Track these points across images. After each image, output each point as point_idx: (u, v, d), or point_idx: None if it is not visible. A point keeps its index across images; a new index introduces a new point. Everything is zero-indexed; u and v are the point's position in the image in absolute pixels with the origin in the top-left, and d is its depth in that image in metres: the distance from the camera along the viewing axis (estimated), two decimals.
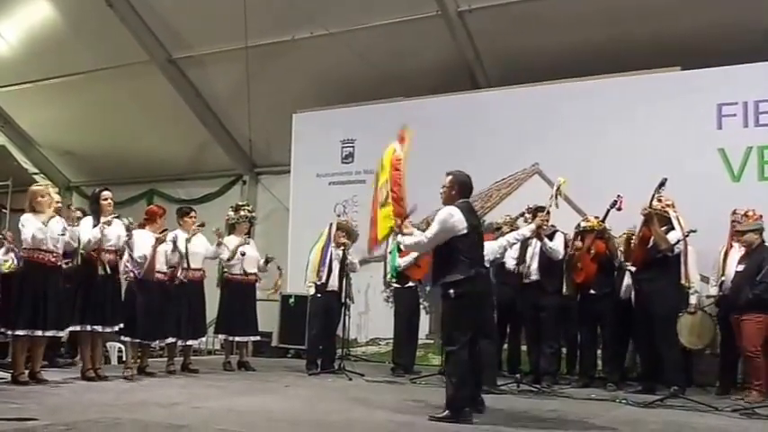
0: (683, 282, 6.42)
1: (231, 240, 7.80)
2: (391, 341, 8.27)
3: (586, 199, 7.71)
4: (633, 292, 6.83)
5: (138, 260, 6.57)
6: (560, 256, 7.02)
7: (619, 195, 6.71)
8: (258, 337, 8.40)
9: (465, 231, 4.82)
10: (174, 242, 6.96)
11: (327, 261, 7.55)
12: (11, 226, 9.62)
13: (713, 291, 6.86)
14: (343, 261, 7.65)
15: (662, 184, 6.29)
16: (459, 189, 5.07)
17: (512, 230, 6.87)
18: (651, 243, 6.47)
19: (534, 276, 7.15)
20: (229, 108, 11.21)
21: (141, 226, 6.80)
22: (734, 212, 6.68)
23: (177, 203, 10.47)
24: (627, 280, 6.95)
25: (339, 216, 8.60)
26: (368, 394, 5.63)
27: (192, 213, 7.58)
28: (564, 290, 7.05)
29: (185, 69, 11.01)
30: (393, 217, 5.05)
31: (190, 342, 7.39)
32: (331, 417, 4.91)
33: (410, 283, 7.69)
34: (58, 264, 6.03)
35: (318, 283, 7.54)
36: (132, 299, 6.60)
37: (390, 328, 7.97)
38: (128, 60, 10.79)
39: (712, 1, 7.99)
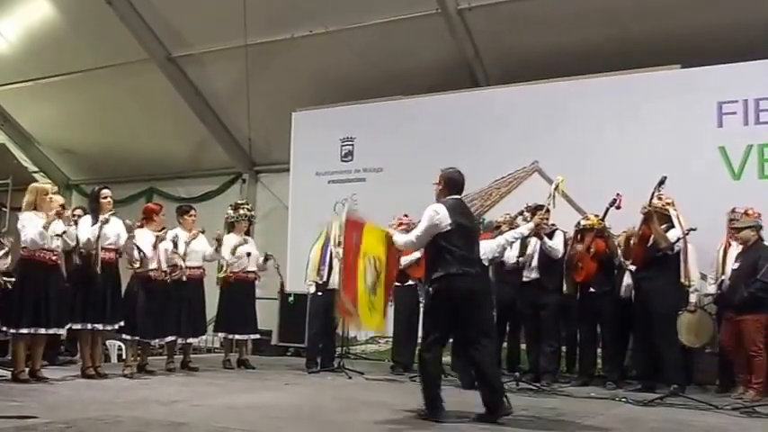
0: (682, 280, 6.42)
1: (230, 239, 7.80)
2: (391, 339, 8.28)
3: (586, 197, 7.70)
4: (633, 291, 6.83)
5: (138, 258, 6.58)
6: (560, 255, 7.02)
7: (618, 194, 6.71)
8: (258, 336, 8.40)
9: (449, 228, 4.80)
10: (175, 242, 6.96)
11: (328, 260, 7.55)
12: (10, 224, 9.63)
13: (712, 289, 6.87)
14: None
15: (661, 182, 6.29)
16: (447, 186, 5.09)
17: (511, 229, 6.86)
18: (651, 241, 6.48)
19: (534, 275, 7.14)
20: (229, 106, 11.20)
21: (141, 225, 6.80)
22: (733, 211, 6.68)
23: (177, 202, 10.46)
24: (627, 278, 6.95)
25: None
26: (367, 392, 5.65)
27: (192, 212, 7.59)
28: (564, 288, 7.05)
29: (185, 68, 10.99)
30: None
31: (190, 340, 7.39)
32: (330, 415, 4.92)
33: (410, 282, 7.69)
34: (59, 262, 6.04)
35: (319, 281, 7.54)
36: (132, 297, 6.61)
37: (390, 326, 7.96)
38: (127, 59, 10.77)
39: None
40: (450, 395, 5.54)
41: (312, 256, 7.68)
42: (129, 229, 6.39)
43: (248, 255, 7.78)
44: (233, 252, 7.69)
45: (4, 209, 11.85)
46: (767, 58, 7.66)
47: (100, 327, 6.26)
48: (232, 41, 9.86)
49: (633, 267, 6.75)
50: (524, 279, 7.19)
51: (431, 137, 9.30)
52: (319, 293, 7.58)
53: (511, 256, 7.16)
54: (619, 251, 7.01)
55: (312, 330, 7.85)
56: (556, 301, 7.05)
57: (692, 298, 6.78)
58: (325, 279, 7.53)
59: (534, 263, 7.13)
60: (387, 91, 9.65)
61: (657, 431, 4.70)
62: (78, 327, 6.23)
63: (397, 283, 7.74)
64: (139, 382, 6.23)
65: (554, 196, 6.55)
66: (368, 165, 9.86)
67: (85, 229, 6.20)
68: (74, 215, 6.60)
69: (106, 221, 6.20)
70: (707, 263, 6.98)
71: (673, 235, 6.38)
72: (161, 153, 12.18)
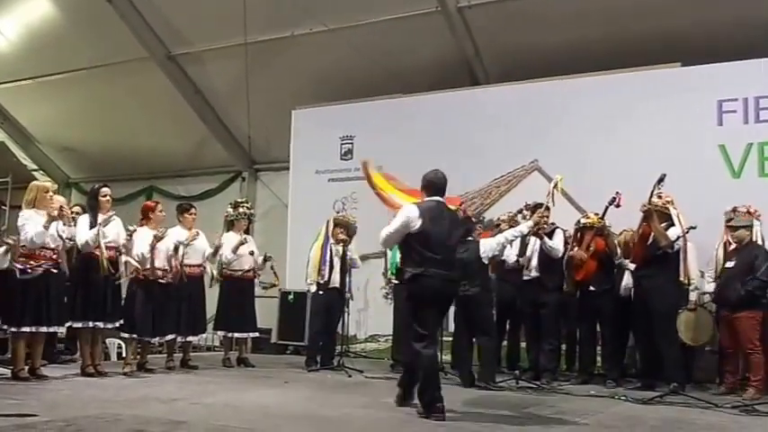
0: (682, 278, 6.42)
1: (230, 237, 7.80)
2: (390, 338, 8.28)
3: (586, 196, 7.71)
4: (633, 289, 6.83)
5: (137, 258, 6.57)
6: (560, 255, 7.01)
7: (617, 192, 6.71)
8: (257, 334, 8.39)
9: (418, 229, 4.88)
10: (177, 246, 6.94)
11: (328, 259, 7.54)
12: (10, 222, 9.62)
13: (710, 287, 6.86)
14: (343, 257, 7.64)
15: (661, 180, 6.30)
16: (425, 188, 5.16)
17: (511, 227, 6.86)
18: (651, 240, 6.48)
19: (534, 273, 7.14)
20: (228, 104, 11.20)
21: (141, 224, 6.79)
22: (734, 210, 6.66)
23: (176, 200, 10.45)
24: (627, 277, 6.95)
25: (338, 212, 8.58)
26: (367, 391, 5.64)
27: (192, 210, 7.57)
28: (564, 287, 7.05)
29: (184, 66, 10.99)
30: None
31: (189, 338, 7.39)
32: (330, 413, 4.91)
33: None
34: (59, 261, 6.03)
35: (320, 281, 7.53)
36: (132, 295, 6.60)
37: (389, 324, 7.96)
38: (127, 57, 10.77)
39: None
40: (449, 393, 5.55)
41: (312, 255, 7.67)
42: (129, 234, 6.38)
43: (251, 253, 7.77)
44: (234, 251, 7.68)
45: (3, 207, 11.85)
46: (767, 56, 7.66)
47: (100, 325, 6.25)
48: (232, 39, 9.85)
49: (633, 266, 6.75)
50: (524, 277, 7.18)
51: (430, 135, 9.30)
52: (320, 292, 7.57)
53: (511, 254, 7.16)
54: (619, 250, 7.02)
55: (313, 329, 7.84)
56: (556, 300, 7.05)
57: (692, 296, 6.79)
58: (326, 278, 7.52)
59: (534, 261, 7.12)
60: (386, 89, 9.65)
61: (657, 429, 4.69)
62: (78, 325, 6.23)
63: (396, 282, 7.77)
64: (139, 381, 6.22)
65: (553, 194, 6.57)
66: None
67: (83, 230, 6.19)
68: (72, 212, 6.58)
69: (105, 225, 6.19)
70: (706, 261, 6.99)
71: (673, 233, 6.38)
72: (161, 151, 12.17)
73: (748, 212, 6.57)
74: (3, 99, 12.72)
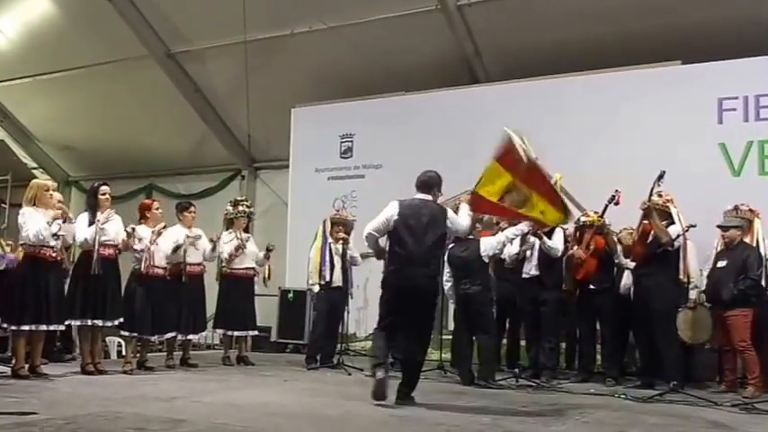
0: (681, 277, 6.42)
1: (230, 240, 7.79)
2: None
3: (585, 194, 7.70)
4: (632, 288, 6.83)
5: (137, 256, 6.57)
6: (559, 254, 7.00)
7: (617, 190, 6.71)
8: (257, 332, 8.39)
9: (395, 225, 5.08)
10: (176, 247, 6.94)
11: (327, 259, 7.53)
12: (10, 220, 9.62)
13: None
14: (343, 256, 7.63)
15: (660, 177, 6.30)
16: (416, 185, 5.34)
17: (510, 225, 6.86)
18: (651, 237, 6.48)
19: (534, 271, 7.13)
20: (228, 103, 11.19)
21: (138, 223, 6.79)
22: (736, 208, 6.65)
23: (176, 198, 10.45)
24: (626, 275, 6.95)
25: (338, 211, 8.58)
26: (366, 389, 5.60)
27: (192, 208, 7.57)
28: (563, 285, 7.05)
29: (184, 64, 10.99)
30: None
31: (189, 337, 7.38)
32: (329, 411, 4.91)
33: None
34: (59, 259, 6.04)
35: (322, 282, 7.51)
36: (132, 293, 6.60)
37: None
38: (126, 55, 10.77)
39: None
40: (449, 392, 5.56)
41: (312, 256, 7.65)
42: (129, 235, 6.38)
43: (243, 247, 7.76)
44: (232, 255, 7.67)
45: (3, 205, 11.85)
46: (767, 54, 7.66)
47: (100, 323, 6.25)
48: (231, 37, 9.85)
49: (633, 264, 6.75)
50: (524, 276, 7.17)
51: (430, 133, 9.29)
52: (323, 292, 7.55)
53: (510, 252, 7.16)
54: (618, 249, 7.01)
55: (317, 332, 7.75)
56: (555, 298, 7.04)
57: (692, 294, 6.78)
58: (327, 279, 7.51)
59: (534, 260, 7.12)
60: (386, 87, 9.64)
61: (657, 428, 4.69)
62: (78, 323, 6.23)
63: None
64: (139, 379, 6.22)
65: None
66: (367, 161, 9.85)
67: (82, 228, 6.19)
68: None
69: (104, 223, 6.19)
70: (706, 259, 6.97)
71: (673, 231, 6.38)
72: (160, 149, 12.17)
73: (750, 210, 6.57)
74: (2, 97, 12.71)
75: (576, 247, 6.98)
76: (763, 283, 6.35)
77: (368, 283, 9.16)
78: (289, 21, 9.67)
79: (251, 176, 11.90)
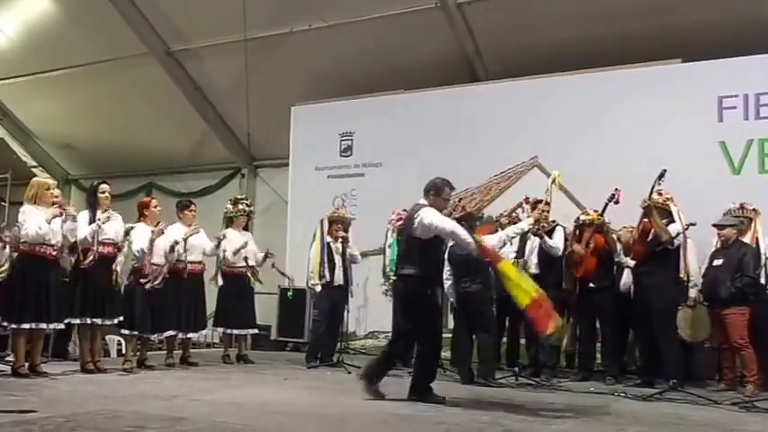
0: (681, 275, 6.42)
1: (233, 237, 7.78)
2: (390, 334, 8.26)
3: (585, 192, 7.70)
4: (632, 286, 6.82)
5: (136, 254, 6.56)
6: (560, 253, 6.99)
7: (617, 189, 6.70)
8: (256, 331, 8.39)
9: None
10: (174, 246, 6.93)
11: (326, 259, 7.52)
12: (9, 219, 9.61)
13: None
14: (343, 254, 7.63)
15: (661, 176, 6.29)
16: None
17: (511, 223, 6.86)
18: (651, 236, 6.48)
19: (533, 270, 7.12)
20: (228, 101, 11.18)
21: (137, 221, 6.79)
22: (741, 207, 6.65)
23: (176, 197, 10.45)
24: (626, 273, 6.94)
25: (337, 209, 8.58)
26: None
27: (192, 207, 7.56)
28: (563, 284, 7.04)
29: (183, 62, 10.98)
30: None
31: (189, 335, 7.38)
32: (329, 409, 4.91)
33: None
34: (59, 257, 6.03)
35: (323, 282, 7.50)
36: (132, 292, 6.59)
37: (389, 321, 7.95)
38: (126, 53, 10.76)
39: None
40: (449, 390, 5.56)
41: (312, 256, 7.63)
42: (126, 233, 6.38)
43: (246, 259, 7.77)
44: (235, 253, 7.67)
45: (3, 203, 11.85)
46: (767, 52, 7.65)
47: (99, 321, 6.25)
48: (231, 36, 9.84)
49: (633, 263, 6.74)
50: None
51: (430, 132, 9.30)
52: (323, 291, 7.54)
53: (509, 251, 7.14)
54: (618, 247, 7.01)
55: (318, 330, 7.73)
56: (555, 297, 6.97)
57: (692, 293, 6.78)
58: (328, 278, 7.50)
59: (534, 258, 7.11)
60: (386, 85, 9.64)
61: (656, 426, 4.69)
62: (77, 321, 6.23)
63: (394, 278, 7.76)
64: (139, 377, 6.22)
65: (551, 191, 6.55)
66: (367, 159, 9.85)
67: (82, 227, 6.18)
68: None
69: (105, 222, 6.18)
70: (706, 258, 6.98)
71: (673, 230, 6.38)
72: (160, 148, 12.17)
73: (754, 210, 6.58)
74: (2, 95, 12.70)
75: (575, 245, 6.97)
76: (763, 281, 6.36)
77: (368, 281, 9.20)
78: (289, 19, 9.66)
79: (251, 175, 11.89)
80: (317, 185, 10.04)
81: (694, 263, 6.78)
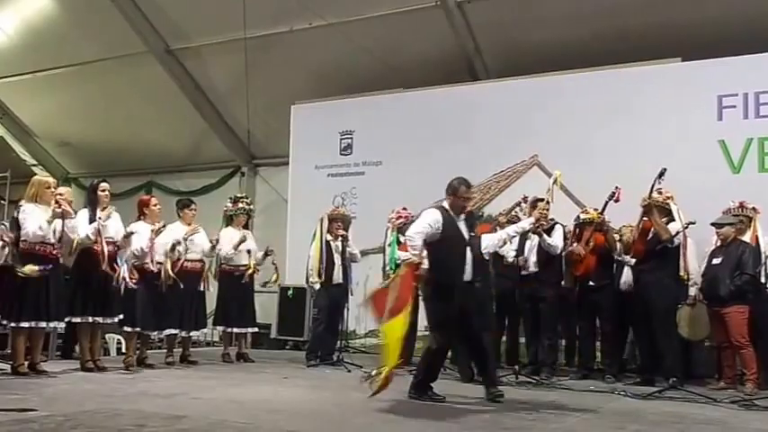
0: (681, 274, 6.43)
1: (229, 233, 7.78)
2: None
3: (585, 191, 7.69)
4: (632, 284, 6.82)
5: (136, 253, 6.56)
6: (559, 251, 6.99)
7: (617, 187, 6.70)
8: (256, 329, 8.39)
9: None
10: (174, 246, 6.93)
11: (326, 258, 7.52)
12: (9, 218, 9.61)
13: None
14: (343, 252, 7.63)
15: (661, 174, 6.29)
16: None
17: (510, 222, 6.85)
18: (651, 234, 6.48)
19: (533, 268, 7.13)
20: (228, 99, 11.18)
21: (137, 220, 6.78)
22: (741, 206, 6.65)
23: (176, 195, 10.45)
24: (626, 272, 6.94)
25: (337, 207, 8.58)
26: (366, 386, 5.61)
27: (192, 206, 7.56)
28: (563, 282, 7.04)
29: (183, 60, 10.97)
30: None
31: (190, 333, 7.38)
32: (329, 408, 4.92)
33: None
34: (59, 256, 6.03)
35: (323, 280, 7.50)
36: (132, 290, 6.58)
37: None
38: (126, 51, 10.76)
39: None
40: (449, 388, 5.56)
41: (312, 254, 7.63)
42: (127, 236, 6.38)
43: (248, 252, 7.76)
44: (235, 248, 7.67)
45: (2, 202, 11.85)
46: (767, 51, 7.64)
47: (100, 320, 6.25)
48: (231, 34, 9.84)
49: (633, 261, 6.75)
50: (523, 273, 7.17)
51: (430, 130, 9.29)
52: (323, 289, 7.54)
53: (509, 250, 7.15)
54: (618, 246, 7.01)
55: (319, 329, 7.73)
56: (555, 295, 7.04)
57: (692, 291, 6.78)
58: (329, 276, 7.49)
59: (533, 257, 7.12)
60: (386, 84, 9.63)
61: (656, 424, 4.69)
62: (78, 320, 6.22)
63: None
64: (139, 376, 6.22)
65: (552, 190, 6.53)
66: (367, 158, 9.85)
67: (82, 226, 6.18)
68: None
69: (105, 220, 6.18)
70: (705, 256, 6.98)
71: (673, 228, 6.38)
72: (160, 146, 12.16)
73: (753, 209, 6.58)
74: (2, 94, 12.69)
75: (575, 244, 6.97)
76: (763, 279, 6.36)
77: (368, 280, 9.18)
78: (288, 17, 9.65)
79: (251, 173, 11.89)
80: (316, 184, 10.04)
81: (694, 261, 6.78)
